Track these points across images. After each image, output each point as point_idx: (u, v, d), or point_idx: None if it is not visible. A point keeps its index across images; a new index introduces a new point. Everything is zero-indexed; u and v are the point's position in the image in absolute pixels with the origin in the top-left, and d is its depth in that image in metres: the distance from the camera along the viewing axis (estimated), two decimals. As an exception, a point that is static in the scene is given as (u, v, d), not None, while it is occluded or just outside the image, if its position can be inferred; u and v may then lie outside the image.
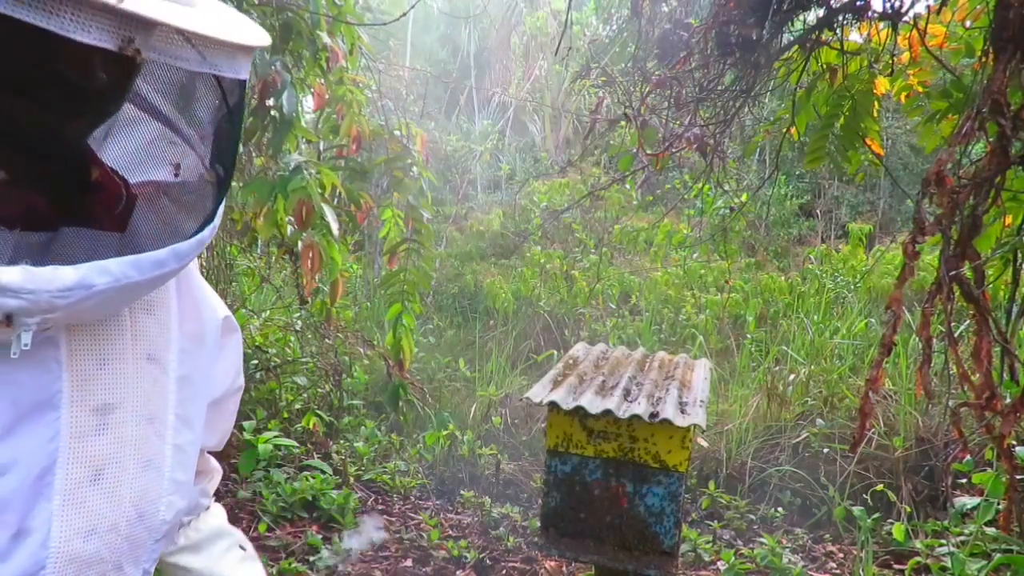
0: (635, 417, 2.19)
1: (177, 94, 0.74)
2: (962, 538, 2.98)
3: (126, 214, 0.73)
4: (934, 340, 1.56)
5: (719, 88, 2.54)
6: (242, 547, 1.04)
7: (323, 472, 3.76)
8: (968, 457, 3.02)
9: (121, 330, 0.73)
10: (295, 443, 3.87)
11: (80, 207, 0.70)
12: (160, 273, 0.66)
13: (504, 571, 3.33)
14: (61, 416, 0.66)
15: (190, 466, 0.82)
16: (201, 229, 0.70)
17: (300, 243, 3.33)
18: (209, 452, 1.00)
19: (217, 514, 1.04)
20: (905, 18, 2.15)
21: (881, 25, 2.31)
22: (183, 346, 0.80)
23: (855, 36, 2.58)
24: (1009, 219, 2.12)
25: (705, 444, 4.07)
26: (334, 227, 2.94)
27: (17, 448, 0.64)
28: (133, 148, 0.77)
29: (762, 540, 3.44)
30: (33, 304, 0.58)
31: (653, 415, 2.18)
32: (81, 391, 0.68)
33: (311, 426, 4.09)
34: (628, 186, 6.89)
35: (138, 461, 0.73)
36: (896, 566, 3.23)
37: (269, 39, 0.73)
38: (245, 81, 0.71)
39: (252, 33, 0.70)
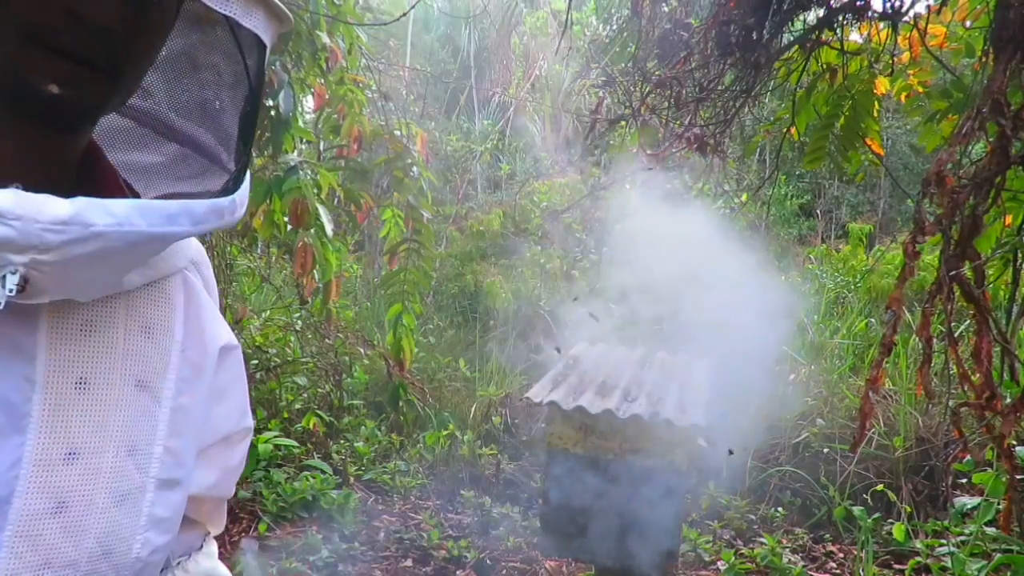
0: (635, 417, 2.19)
1: (194, 39, 0.70)
2: (962, 538, 2.98)
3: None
4: (934, 340, 1.56)
5: (719, 88, 2.54)
6: None
7: (323, 472, 3.76)
8: (968, 457, 3.02)
9: (110, 347, 0.65)
10: (295, 443, 3.87)
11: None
12: (169, 231, 0.58)
13: (504, 571, 3.33)
14: (27, 442, 0.58)
15: (177, 503, 0.74)
16: (220, 195, 0.63)
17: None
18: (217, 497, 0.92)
19: (209, 553, 0.96)
20: (905, 18, 2.14)
21: (881, 25, 2.31)
22: (182, 374, 0.73)
23: (855, 36, 2.58)
24: (1009, 219, 2.12)
25: (705, 444, 4.07)
26: (328, 227, 2.94)
27: None
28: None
29: (762, 540, 3.44)
30: (22, 235, 0.50)
31: (654, 415, 2.18)
32: (53, 416, 0.60)
33: (311, 426, 4.09)
34: (628, 186, 6.88)
35: (111, 494, 0.65)
36: (896, 566, 3.23)
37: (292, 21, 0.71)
38: (265, 46, 0.67)
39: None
